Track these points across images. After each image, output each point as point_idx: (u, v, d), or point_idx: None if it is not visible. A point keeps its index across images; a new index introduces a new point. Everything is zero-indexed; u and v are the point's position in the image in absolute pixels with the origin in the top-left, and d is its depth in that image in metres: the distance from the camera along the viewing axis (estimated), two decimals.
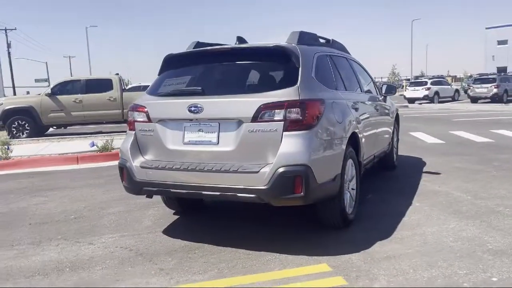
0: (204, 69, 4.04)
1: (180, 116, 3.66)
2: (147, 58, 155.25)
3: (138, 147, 3.93)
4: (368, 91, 5.47)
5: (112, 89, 14.11)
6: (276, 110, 3.34)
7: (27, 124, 13.59)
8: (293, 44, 3.84)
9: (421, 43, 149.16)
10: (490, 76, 30.28)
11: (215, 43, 4.56)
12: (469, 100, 28.63)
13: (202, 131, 3.60)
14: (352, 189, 4.17)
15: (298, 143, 3.30)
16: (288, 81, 3.53)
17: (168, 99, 3.87)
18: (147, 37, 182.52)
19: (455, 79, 59.34)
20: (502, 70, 60.61)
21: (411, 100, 30.58)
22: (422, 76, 60.78)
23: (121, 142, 4.25)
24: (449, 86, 33.95)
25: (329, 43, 4.87)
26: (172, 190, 3.65)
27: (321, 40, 4.69)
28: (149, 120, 3.83)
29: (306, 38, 4.11)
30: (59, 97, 13.77)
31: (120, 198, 5.61)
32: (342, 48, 5.24)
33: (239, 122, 3.45)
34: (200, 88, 3.71)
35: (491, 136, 10.45)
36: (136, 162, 3.84)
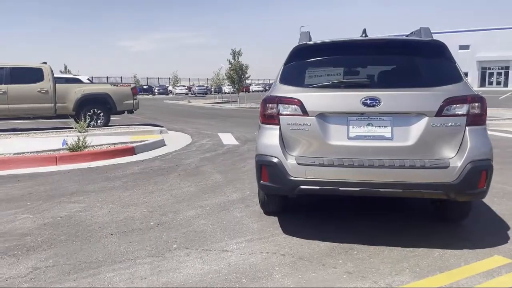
0: (356, 60, 3.89)
1: (348, 109, 3.49)
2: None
3: (283, 143, 3.63)
4: None
5: (43, 79, 12.44)
6: (458, 105, 3.38)
7: None
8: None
9: None
10: None
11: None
12: None
13: (372, 126, 3.47)
14: None
15: (482, 138, 3.40)
16: (453, 76, 3.59)
17: (331, 91, 3.64)
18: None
19: None
20: None
21: None
22: None
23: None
24: None
25: None
26: (341, 188, 3.46)
27: None
28: (305, 113, 3.56)
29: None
30: None
31: (177, 201, 5.09)
32: None
33: (419, 116, 3.41)
34: (369, 80, 3.58)
35: None
36: (290, 159, 3.55)
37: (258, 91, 71.69)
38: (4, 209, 4.83)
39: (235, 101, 39.97)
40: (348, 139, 3.52)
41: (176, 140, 10.80)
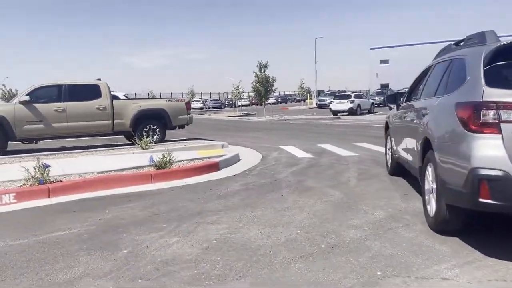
0: None
1: None
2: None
3: (506, 153, 3.26)
4: None
5: (101, 96, 12.21)
6: None
7: None
8: None
9: (311, 59, 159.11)
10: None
11: None
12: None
13: None
14: None
15: None
16: None
17: None
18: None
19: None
20: (384, 86, 67.29)
21: (336, 113, 32.06)
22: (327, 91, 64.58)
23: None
24: (367, 100, 36.49)
25: None
26: None
27: None
28: None
29: None
30: (36, 105, 11.47)
31: (323, 220, 4.71)
32: None
33: None
34: None
35: None
36: None
37: (271, 103, 71.33)
38: (144, 232, 4.50)
39: (255, 113, 39.75)
40: None
41: (244, 155, 10.45)
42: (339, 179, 7.06)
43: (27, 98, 11.37)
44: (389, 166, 7.19)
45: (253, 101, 66.06)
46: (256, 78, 32.59)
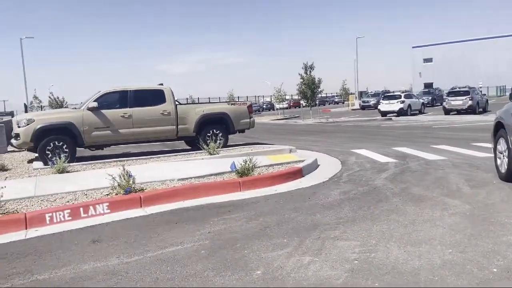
0: None
1: None
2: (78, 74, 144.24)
3: None
4: None
5: (165, 101, 11.96)
6: None
7: (65, 146, 10.92)
8: None
9: (350, 59, 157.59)
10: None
11: None
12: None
13: None
14: None
15: None
16: None
17: None
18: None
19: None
20: (428, 85, 64.89)
21: (385, 114, 30.94)
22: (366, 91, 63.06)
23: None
24: (418, 100, 35.14)
25: None
26: None
27: None
28: None
29: None
30: (104, 111, 11.30)
31: (470, 236, 4.11)
32: None
33: None
34: None
35: None
36: None
37: (309, 106, 70.29)
38: (267, 248, 4.02)
39: (298, 116, 39.05)
40: None
41: (319, 160, 9.88)
42: (447, 186, 6.38)
43: (95, 104, 11.19)
44: (503, 171, 6.45)
45: (291, 104, 65.60)
46: (301, 80, 31.90)
